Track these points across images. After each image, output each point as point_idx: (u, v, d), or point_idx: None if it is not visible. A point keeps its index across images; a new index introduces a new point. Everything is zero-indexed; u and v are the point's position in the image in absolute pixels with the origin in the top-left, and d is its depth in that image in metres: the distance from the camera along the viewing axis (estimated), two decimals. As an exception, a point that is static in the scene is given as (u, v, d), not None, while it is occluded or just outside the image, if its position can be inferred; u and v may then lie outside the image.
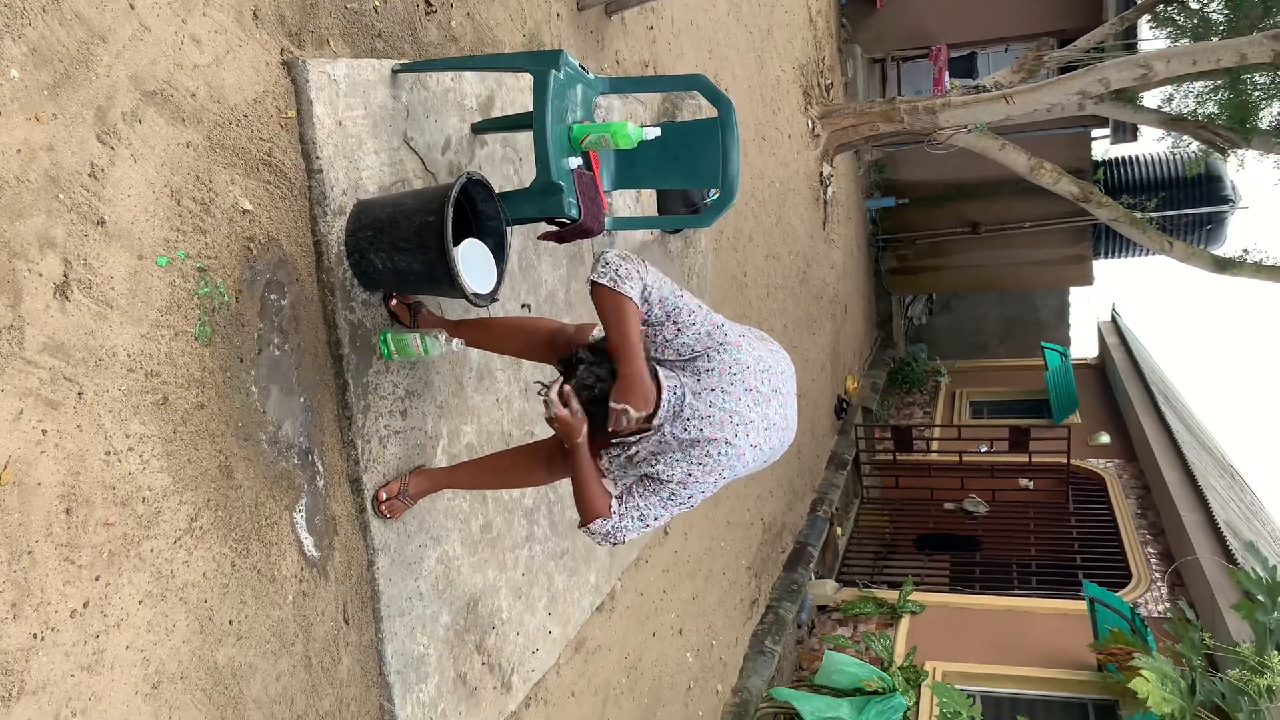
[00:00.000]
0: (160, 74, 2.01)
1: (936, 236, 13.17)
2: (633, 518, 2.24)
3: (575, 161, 2.67)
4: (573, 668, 3.89)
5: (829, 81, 8.63)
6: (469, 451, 3.06)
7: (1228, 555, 7.28)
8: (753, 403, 2.21)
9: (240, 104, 2.23)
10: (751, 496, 6.69)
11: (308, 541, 2.43)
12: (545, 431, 3.55)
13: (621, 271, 2.20)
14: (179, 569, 2.02)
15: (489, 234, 2.64)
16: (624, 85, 2.98)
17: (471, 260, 2.52)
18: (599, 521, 2.24)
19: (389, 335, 2.61)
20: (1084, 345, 14.93)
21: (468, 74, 3.06)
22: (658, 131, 2.69)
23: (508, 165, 3.34)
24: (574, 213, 2.67)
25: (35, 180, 1.73)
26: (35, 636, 1.70)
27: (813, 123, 7.93)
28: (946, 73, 11.06)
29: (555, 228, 2.85)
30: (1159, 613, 7.62)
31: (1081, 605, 7.72)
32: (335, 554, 2.52)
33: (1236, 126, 7.81)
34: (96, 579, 1.83)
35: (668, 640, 5.02)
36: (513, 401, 3.35)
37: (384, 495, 2.61)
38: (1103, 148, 12.90)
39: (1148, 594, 8.02)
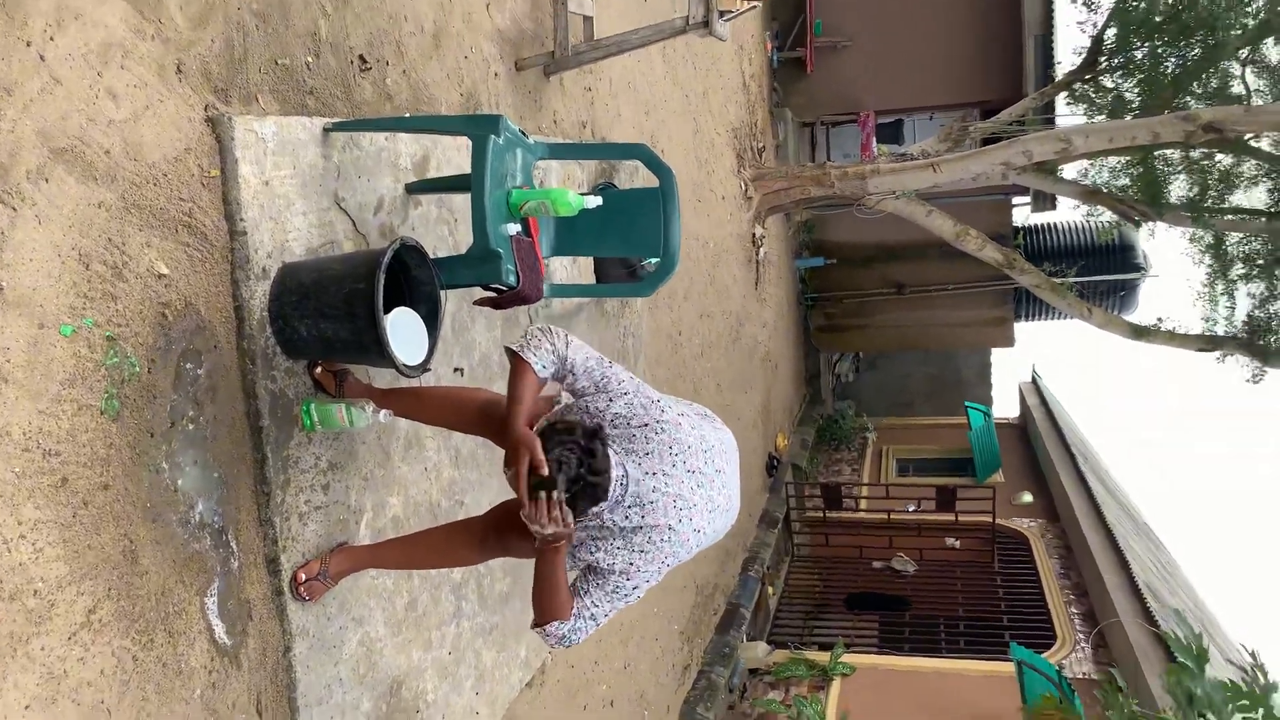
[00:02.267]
0: (72, 130, 1.88)
1: (863, 296, 13.37)
2: (585, 618, 2.12)
3: (514, 228, 2.59)
4: (500, 749, 3.71)
5: (761, 145, 8.74)
6: (395, 525, 2.91)
7: (1149, 617, 7.38)
8: (695, 484, 2.12)
9: (159, 162, 2.10)
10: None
11: (219, 628, 2.25)
12: (475, 504, 3.42)
13: (532, 342, 2.17)
14: (73, 667, 1.84)
15: (422, 300, 2.53)
16: (564, 152, 2.92)
17: (402, 329, 2.41)
18: (556, 624, 2.10)
19: (312, 405, 2.48)
20: (1005, 405, 15.23)
21: (402, 135, 2.97)
22: (599, 201, 2.63)
23: (442, 226, 3.24)
24: (512, 280, 2.58)
25: (-76, 244, 1.58)
26: (-99, 753, 1.52)
27: (746, 185, 8.00)
28: (874, 138, 11.32)
29: (492, 294, 2.75)
30: (1083, 674, 7.68)
31: (1009, 667, 7.74)
32: (249, 640, 2.35)
33: (1149, 201, 8.09)
34: (-24, 684, 1.65)
35: (598, 713, 4.86)
36: (442, 470, 3.22)
37: (303, 576, 2.45)
38: (1022, 214, 13.30)
39: (1072, 655, 8.08)
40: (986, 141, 8.81)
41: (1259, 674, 4.78)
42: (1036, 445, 12.74)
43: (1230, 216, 8.29)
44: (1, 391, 1.71)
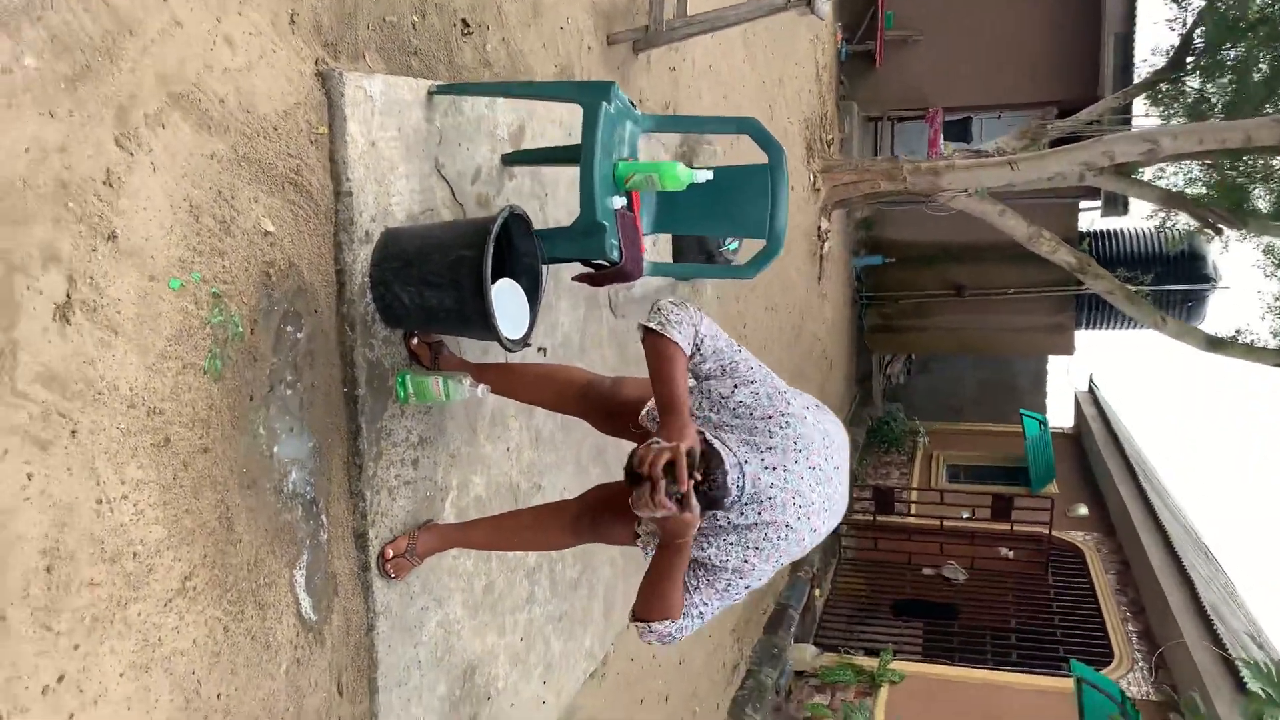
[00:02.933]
0: (189, 75, 1.79)
1: (921, 297, 13.13)
2: (693, 616, 1.99)
3: (619, 201, 2.47)
4: (562, 739, 3.62)
5: (830, 136, 8.56)
6: (477, 505, 2.82)
7: (1215, 640, 7.14)
8: (814, 481, 1.98)
9: (270, 115, 2.02)
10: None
11: (305, 603, 2.17)
12: (551, 487, 3.32)
13: (672, 317, 1.99)
14: (167, 635, 1.76)
15: (523, 272, 2.43)
16: (670, 124, 2.80)
17: (505, 301, 2.31)
18: (665, 622, 1.98)
19: (408, 377, 2.39)
20: (1059, 415, 14.90)
21: (500, 101, 2.87)
22: (709, 174, 2.51)
23: (534, 201, 3.14)
24: (615, 255, 2.47)
25: (44, 185, 1.50)
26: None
27: (814, 176, 7.83)
28: (941, 135, 11.08)
29: (590, 269, 2.65)
30: (1143, 695, 7.45)
31: (1062, 683, 7.53)
32: (334, 617, 2.27)
33: (1233, 208, 7.82)
34: (75, 648, 1.57)
35: (653, 708, 4.76)
36: (523, 451, 3.12)
37: (390, 553, 2.36)
38: (1088, 219, 12.98)
39: (1129, 674, 7.85)
40: (1061, 141, 8.55)
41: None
42: (1092, 457, 12.44)
43: (1318, 228, 7.99)
44: (111, 344, 1.63)
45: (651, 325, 1.99)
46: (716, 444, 1.88)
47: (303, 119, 2.12)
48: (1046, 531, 9.85)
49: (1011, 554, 10.08)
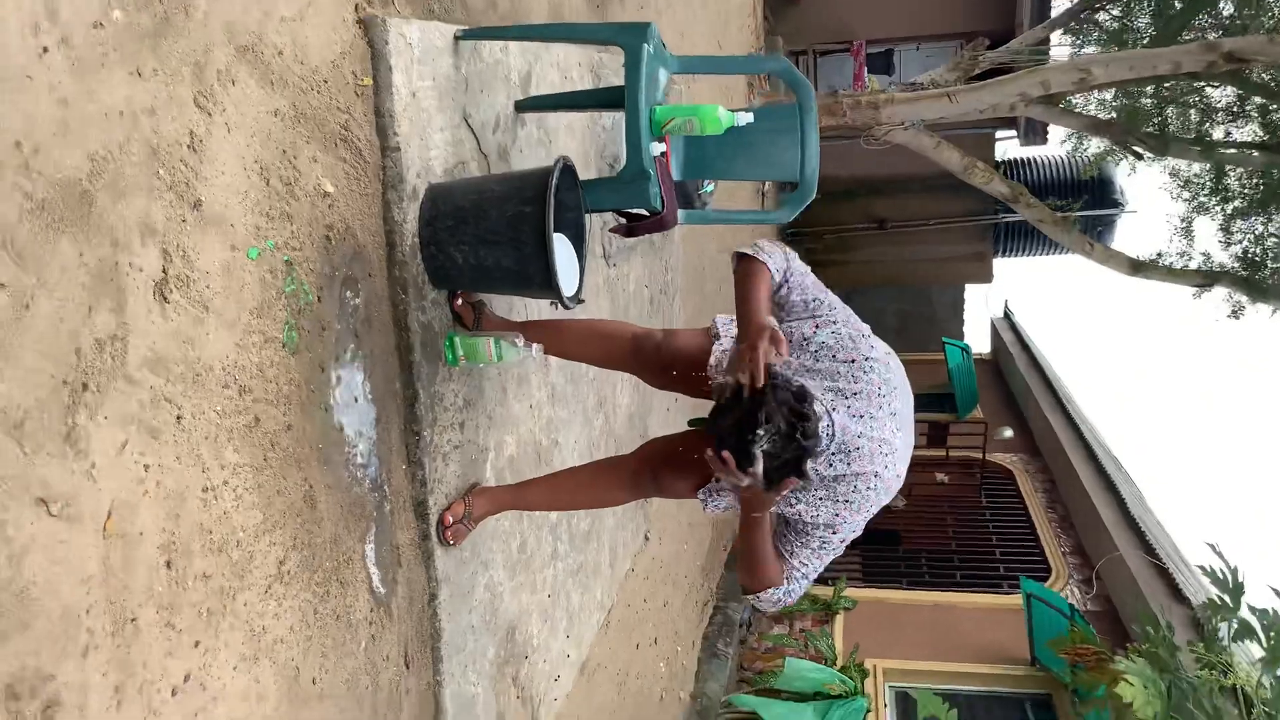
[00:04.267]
0: (251, 25, 1.66)
1: (844, 231, 13.28)
2: (796, 579, 1.98)
3: (659, 148, 2.41)
4: (579, 691, 3.63)
5: (766, 74, 8.52)
6: (510, 465, 2.76)
7: (1148, 549, 7.53)
8: (896, 427, 1.96)
9: (320, 67, 1.89)
10: (705, 496, 6.52)
11: (375, 577, 2.10)
12: (565, 442, 3.27)
13: (766, 247, 1.98)
14: (270, 623, 1.68)
15: (568, 226, 2.35)
16: (698, 65, 2.73)
17: (560, 257, 2.23)
18: (771, 590, 1.96)
19: (456, 338, 2.30)
20: (976, 341, 15.36)
21: (513, 46, 2.74)
22: (750, 117, 2.45)
23: (540, 148, 3.03)
24: (658, 204, 2.40)
25: (137, 152, 1.37)
26: (138, 725, 1.36)
27: (755, 114, 7.78)
28: (866, 69, 11.13)
29: (624, 220, 2.58)
30: (1081, 607, 7.83)
31: (1010, 600, 7.87)
32: (399, 589, 2.20)
33: (1156, 133, 8.08)
34: (196, 645, 1.48)
35: (647, 651, 4.80)
36: (542, 408, 3.06)
37: (450, 519, 2.30)
38: (1002, 149, 13.27)
39: (1067, 588, 8.24)
40: (990, 74, 8.68)
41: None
42: (1012, 380, 12.89)
43: (1232, 150, 8.32)
44: (204, 321, 1.52)
45: (745, 250, 1.96)
46: (815, 397, 1.84)
47: (348, 70, 1.99)
48: (980, 456, 10.21)
49: (946, 479, 10.43)
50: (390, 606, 2.17)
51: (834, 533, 1.96)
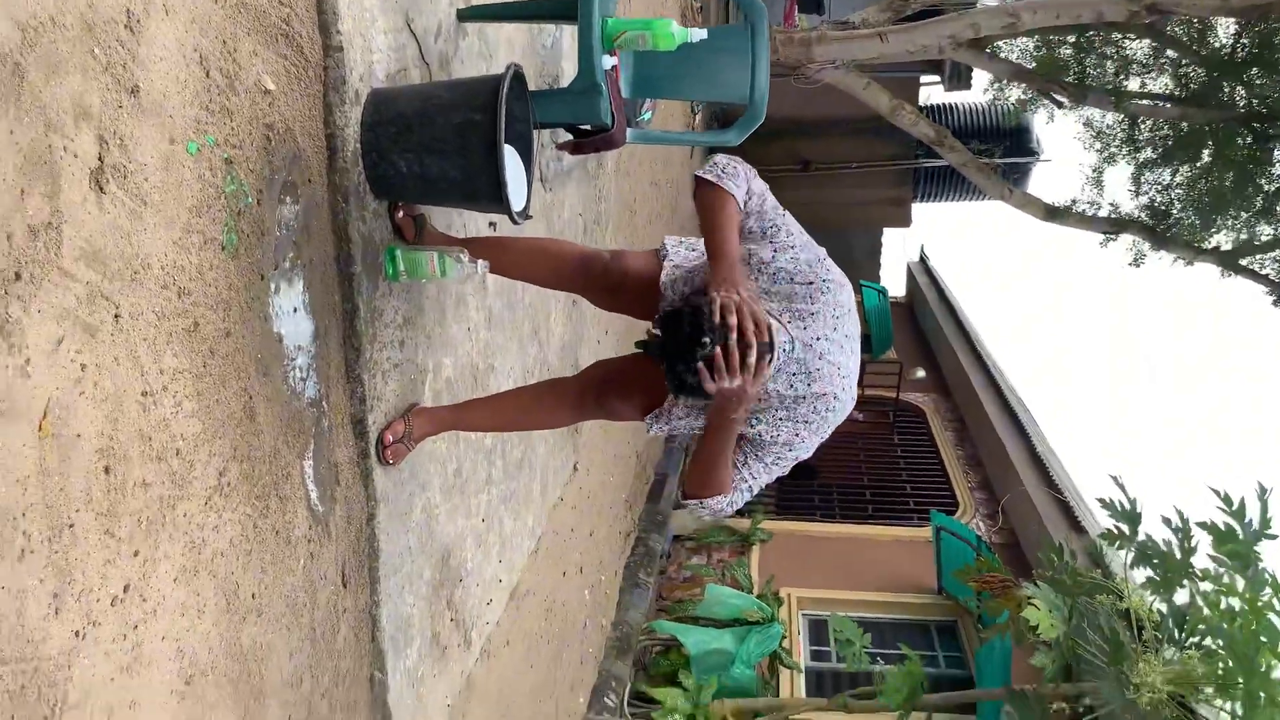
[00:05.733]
0: (189, -100, 1.54)
1: (768, 172, 13.29)
2: (742, 490, 1.99)
3: (610, 61, 2.34)
4: (509, 616, 3.64)
5: (700, 4, 8.40)
6: (448, 387, 2.71)
7: (1050, 483, 7.85)
8: (850, 350, 1.99)
9: (260, -47, 1.77)
10: (630, 427, 6.55)
11: (314, 494, 2.05)
12: (503, 367, 3.23)
13: (728, 170, 1.94)
14: (210, 536, 1.62)
15: (515, 138, 2.28)
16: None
17: (509, 171, 2.17)
18: (718, 497, 1.96)
19: (398, 252, 2.22)
20: (891, 284, 15.65)
21: (455, -50, 2.63)
22: (704, 34, 2.40)
23: (481, 61, 2.93)
24: (608, 120, 2.35)
25: (71, 26, 1.27)
26: (77, 635, 1.30)
27: (687, 46, 7.68)
28: (796, 7, 11.06)
29: (572, 136, 2.52)
30: (987, 540, 8.16)
31: (919, 532, 8.15)
32: (336, 508, 2.15)
33: (1076, 82, 8.24)
34: (135, 555, 1.42)
35: (573, 579, 4.84)
36: (479, 331, 3.00)
37: (390, 438, 2.25)
38: (926, 93, 13.41)
39: (973, 521, 8.57)
40: (923, 15, 8.71)
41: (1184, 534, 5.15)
42: (926, 322, 13.20)
43: (1145, 101, 8.54)
44: (142, 216, 1.43)
45: (708, 177, 1.93)
46: (770, 319, 1.84)
47: (289, -40, 1.87)
48: (894, 395, 10.47)
49: (861, 417, 10.67)
50: (329, 525, 2.12)
51: (790, 450, 1.99)
